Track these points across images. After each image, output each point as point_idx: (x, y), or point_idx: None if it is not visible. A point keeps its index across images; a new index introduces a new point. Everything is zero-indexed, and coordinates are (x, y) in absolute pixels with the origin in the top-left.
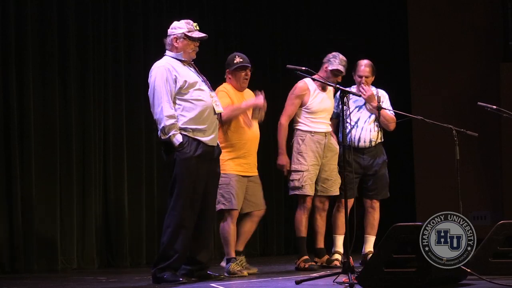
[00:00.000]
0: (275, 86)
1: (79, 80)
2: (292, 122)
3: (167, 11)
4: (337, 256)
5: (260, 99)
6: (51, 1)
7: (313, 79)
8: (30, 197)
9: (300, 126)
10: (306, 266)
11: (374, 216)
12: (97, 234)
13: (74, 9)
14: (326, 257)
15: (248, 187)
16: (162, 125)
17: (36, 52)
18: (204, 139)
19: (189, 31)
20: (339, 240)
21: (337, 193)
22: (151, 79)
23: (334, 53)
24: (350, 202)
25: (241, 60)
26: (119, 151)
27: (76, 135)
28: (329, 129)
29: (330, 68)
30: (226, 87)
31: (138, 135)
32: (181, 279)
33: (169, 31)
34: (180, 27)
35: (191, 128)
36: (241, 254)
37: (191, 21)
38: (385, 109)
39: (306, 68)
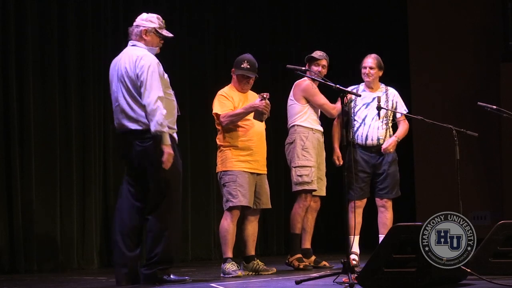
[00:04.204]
0: (275, 86)
1: (79, 80)
2: (290, 118)
3: (168, 11)
4: (353, 256)
5: (258, 102)
6: (51, 1)
7: (313, 79)
8: (30, 197)
9: (302, 123)
10: (301, 266)
11: (387, 215)
12: (97, 234)
13: (74, 9)
14: (314, 257)
15: (257, 185)
16: (161, 118)
17: (36, 52)
18: (176, 136)
19: (159, 28)
20: (354, 241)
21: (324, 194)
22: (147, 69)
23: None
24: (363, 202)
25: (248, 67)
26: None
27: (76, 135)
28: (322, 128)
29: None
30: (225, 92)
31: None
32: (187, 277)
33: (139, 21)
34: (152, 21)
35: (173, 127)
36: (254, 258)
37: (160, 17)
38: (384, 108)
39: (306, 68)
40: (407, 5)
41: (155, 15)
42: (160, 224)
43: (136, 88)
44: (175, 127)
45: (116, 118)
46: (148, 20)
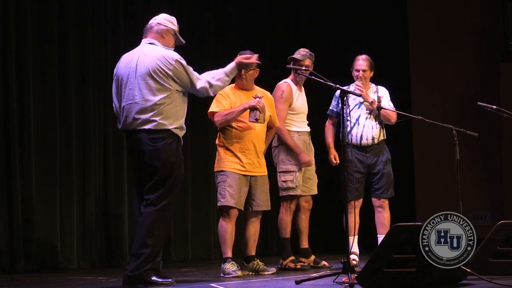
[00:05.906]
0: (275, 86)
1: (79, 80)
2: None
3: (168, 11)
4: (353, 256)
5: (253, 102)
6: (51, 1)
7: (313, 79)
8: (30, 197)
9: (286, 127)
10: (298, 266)
11: (384, 215)
12: (97, 234)
13: (74, 9)
14: (313, 257)
15: (252, 187)
16: (220, 83)
17: (36, 52)
18: (182, 139)
19: (178, 32)
20: (354, 241)
21: (316, 192)
22: (180, 64)
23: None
24: (359, 202)
25: None
26: (119, 151)
27: (76, 135)
28: (309, 128)
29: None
30: (224, 90)
31: None
32: (170, 279)
33: (162, 20)
34: (173, 23)
35: (183, 127)
36: (254, 258)
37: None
38: (384, 108)
39: (306, 68)
40: (407, 5)
41: (174, 18)
42: (152, 223)
43: (158, 85)
44: (185, 126)
45: (127, 115)
46: (169, 21)
